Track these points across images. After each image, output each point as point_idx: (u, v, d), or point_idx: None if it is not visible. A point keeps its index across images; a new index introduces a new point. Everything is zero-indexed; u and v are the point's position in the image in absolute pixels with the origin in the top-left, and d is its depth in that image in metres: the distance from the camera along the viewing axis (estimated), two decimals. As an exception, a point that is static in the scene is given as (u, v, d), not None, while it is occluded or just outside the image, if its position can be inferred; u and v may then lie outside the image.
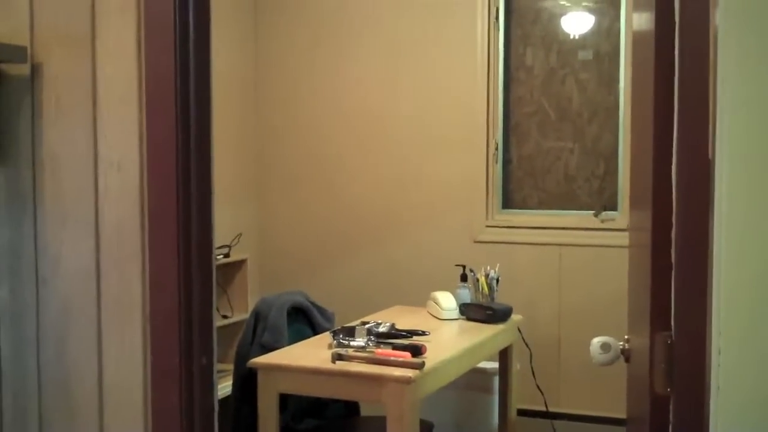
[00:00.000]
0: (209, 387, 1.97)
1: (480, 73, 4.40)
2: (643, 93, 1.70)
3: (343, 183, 4.70)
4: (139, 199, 1.94)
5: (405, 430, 2.73)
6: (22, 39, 2.01)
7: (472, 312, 3.65)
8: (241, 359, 3.18)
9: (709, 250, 1.38)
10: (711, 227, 1.38)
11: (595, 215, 4.30)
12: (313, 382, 2.93)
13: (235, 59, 4.70)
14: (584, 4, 4.34)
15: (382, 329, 3.16)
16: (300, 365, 2.93)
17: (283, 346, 3.18)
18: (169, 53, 1.87)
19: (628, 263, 2.05)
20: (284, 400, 3.10)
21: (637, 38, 2.01)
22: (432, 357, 2.93)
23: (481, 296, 3.76)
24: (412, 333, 3.20)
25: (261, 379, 2.94)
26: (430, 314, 3.72)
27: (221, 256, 4.21)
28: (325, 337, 3.20)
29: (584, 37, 4.36)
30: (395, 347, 2.98)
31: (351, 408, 3.61)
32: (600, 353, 1.94)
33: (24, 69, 2.02)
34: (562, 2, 4.38)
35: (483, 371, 3.88)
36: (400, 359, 2.85)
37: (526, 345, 4.06)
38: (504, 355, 3.80)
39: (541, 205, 4.49)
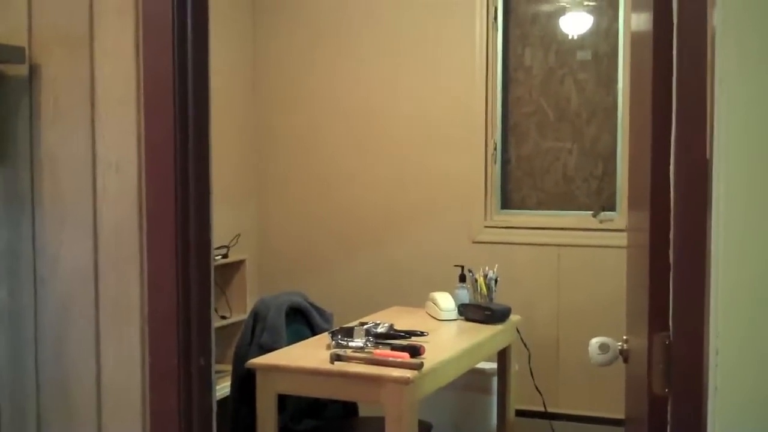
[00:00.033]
0: (207, 388, 1.97)
1: (478, 74, 4.41)
2: (642, 93, 1.70)
3: (341, 183, 4.70)
4: (137, 199, 1.94)
5: (403, 430, 2.73)
6: (20, 40, 2.01)
7: (470, 312, 3.65)
8: (240, 360, 3.18)
9: (707, 250, 1.38)
10: (709, 228, 1.38)
11: (594, 216, 4.31)
12: (312, 383, 2.93)
13: (233, 59, 4.69)
14: (583, 4, 4.34)
15: (380, 330, 3.16)
16: (298, 366, 2.93)
17: (282, 347, 3.18)
18: (167, 54, 1.87)
19: (626, 264, 2.05)
20: (283, 400, 3.10)
21: (635, 39, 2.01)
22: (430, 357, 2.93)
23: (479, 297, 3.76)
24: (410, 333, 3.20)
25: (259, 379, 2.94)
26: (429, 315, 3.72)
27: (220, 256, 4.21)
28: (324, 338, 3.20)
29: (583, 38, 4.36)
30: (394, 348, 2.98)
31: (349, 408, 3.61)
32: (598, 354, 1.94)
33: (22, 70, 2.01)
34: (560, 2, 4.38)
35: (481, 372, 3.88)
36: (399, 360, 2.85)
37: (525, 345, 4.06)
38: (502, 356, 3.80)
39: (540, 205, 4.49)
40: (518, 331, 3.88)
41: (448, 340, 3.43)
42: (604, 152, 4.36)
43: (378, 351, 2.96)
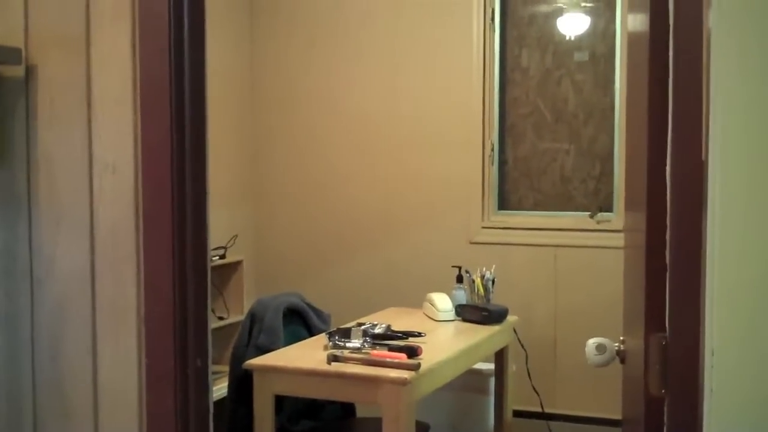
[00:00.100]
0: (204, 389, 1.97)
1: (476, 75, 4.41)
2: (638, 94, 1.70)
3: (339, 184, 4.70)
4: (134, 200, 1.93)
5: (401, 431, 2.73)
6: (16, 41, 2.00)
7: (467, 313, 3.65)
8: (237, 361, 3.18)
9: (703, 251, 1.39)
10: (705, 229, 1.38)
11: (591, 216, 4.31)
12: (309, 384, 2.93)
13: (231, 60, 4.69)
14: (580, 5, 4.34)
15: (377, 330, 3.16)
16: (296, 367, 2.93)
17: (279, 348, 3.18)
18: (163, 54, 1.87)
19: (623, 265, 2.06)
20: (280, 401, 3.10)
21: (632, 40, 2.01)
22: (428, 358, 2.93)
23: (476, 297, 3.76)
24: (407, 334, 3.20)
25: (257, 380, 2.94)
26: (426, 315, 3.72)
27: (217, 257, 4.21)
28: (321, 339, 3.20)
29: (580, 39, 4.36)
30: (391, 348, 2.98)
31: (347, 409, 3.61)
32: (595, 354, 1.94)
33: (18, 71, 2.01)
34: (558, 3, 4.38)
35: (479, 372, 3.88)
36: (396, 360, 2.85)
37: (522, 346, 4.06)
38: (500, 357, 3.80)
39: (537, 206, 4.49)
40: (515, 331, 3.88)
41: (445, 340, 3.43)
42: (602, 153, 4.36)
43: (375, 352, 2.95)
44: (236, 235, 4.43)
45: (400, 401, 2.74)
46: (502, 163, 4.53)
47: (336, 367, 2.86)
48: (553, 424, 4.28)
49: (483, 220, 4.46)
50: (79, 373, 2.01)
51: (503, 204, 4.53)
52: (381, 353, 2.93)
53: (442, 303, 3.67)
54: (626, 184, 2.09)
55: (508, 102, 4.51)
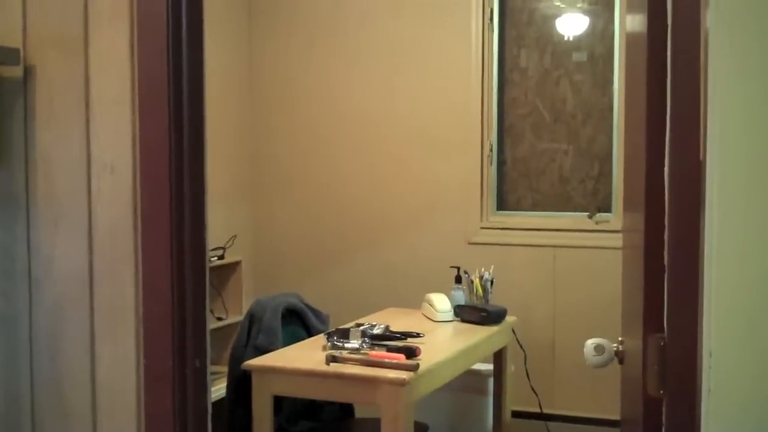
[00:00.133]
0: (203, 389, 1.97)
1: (474, 75, 4.41)
2: (636, 95, 1.70)
3: (337, 184, 4.70)
4: (132, 200, 1.93)
5: None
6: (15, 41, 2.00)
7: (466, 314, 3.65)
8: (236, 361, 3.18)
9: (701, 252, 1.39)
10: (703, 229, 1.38)
11: (590, 217, 4.31)
12: (308, 384, 2.93)
13: (229, 60, 4.69)
14: (579, 5, 4.35)
15: (376, 331, 3.16)
16: (294, 367, 2.93)
17: (278, 348, 3.18)
18: (162, 54, 1.87)
19: (621, 265, 2.06)
20: (278, 402, 3.09)
21: (630, 40, 2.01)
22: (426, 359, 2.93)
23: (475, 298, 3.76)
24: (406, 335, 3.20)
25: (255, 381, 2.94)
26: (425, 316, 3.72)
27: (216, 257, 4.21)
28: (320, 339, 3.19)
29: (578, 39, 4.37)
30: (389, 349, 2.98)
31: (346, 410, 3.61)
32: (594, 355, 1.94)
33: (17, 71, 2.01)
34: (556, 4, 4.38)
35: (477, 373, 3.88)
36: (395, 361, 2.85)
37: (521, 347, 4.06)
38: (498, 357, 3.80)
39: (536, 206, 4.49)
40: (514, 332, 3.88)
41: (444, 341, 3.43)
42: (600, 153, 4.36)
43: (374, 352, 2.95)
44: (235, 236, 4.42)
45: (399, 402, 2.74)
46: (501, 164, 4.53)
47: (335, 367, 2.86)
48: (551, 424, 4.27)
49: (481, 220, 4.46)
50: (78, 373, 2.01)
51: (502, 204, 4.53)
52: (379, 354, 2.93)
53: (441, 303, 3.67)
54: (625, 184, 2.08)
55: (507, 102, 4.51)
